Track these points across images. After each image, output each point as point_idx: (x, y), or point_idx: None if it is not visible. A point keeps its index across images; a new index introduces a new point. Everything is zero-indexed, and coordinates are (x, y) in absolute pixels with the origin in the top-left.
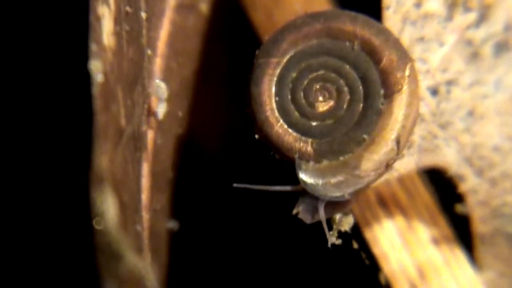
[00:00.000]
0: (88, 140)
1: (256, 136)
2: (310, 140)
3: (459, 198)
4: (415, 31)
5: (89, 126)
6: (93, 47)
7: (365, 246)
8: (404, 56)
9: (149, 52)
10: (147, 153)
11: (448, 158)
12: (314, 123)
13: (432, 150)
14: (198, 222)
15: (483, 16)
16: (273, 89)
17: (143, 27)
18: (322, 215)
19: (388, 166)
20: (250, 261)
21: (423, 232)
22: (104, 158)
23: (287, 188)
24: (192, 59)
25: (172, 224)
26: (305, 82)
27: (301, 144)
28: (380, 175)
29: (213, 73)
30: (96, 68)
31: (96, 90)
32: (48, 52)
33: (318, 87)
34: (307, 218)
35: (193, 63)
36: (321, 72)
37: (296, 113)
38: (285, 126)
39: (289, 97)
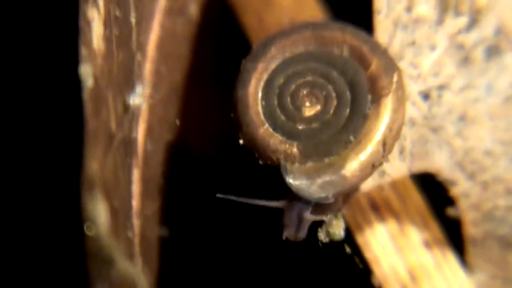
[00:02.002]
0: (79, 145)
1: (241, 141)
2: (295, 142)
3: (451, 201)
4: (407, 36)
5: (80, 131)
6: (83, 51)
7: (357, 250)
8: (392, 64)
9: (138, 56)
10: (137, 159)
11: (440, 163)
12: (300, 127)
13: (424, 155)
14: (188, 227)
15: (474, 20)
16: (260, 93)
17: (133, 31)
18: (310, 218)
19: (373, 167)
20: (242, 266)
21: (414, 236)
22: (95, 164)
23: (272, 204)
24: (181, 63)
25: (163, 230)
26: (293, 87)
27: (286, 146)
28: (366, 176)
29: (203, 77)
30: (86, 72)
31: (86, 95)
32: (39, 56)
33: (305, 92)
34: (292, 236)
35: (183, 67)
36: (308, 78)
37: (282, 117)
38: (270, 130)
39: (276, 102)
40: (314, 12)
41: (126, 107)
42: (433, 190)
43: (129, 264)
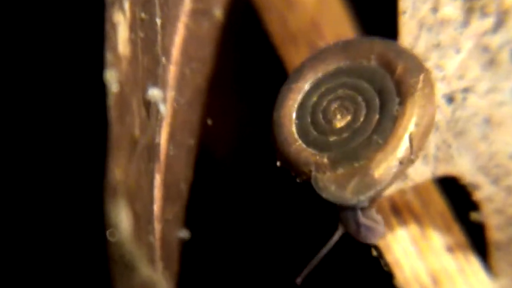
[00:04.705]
0: (103, 151)
1: (278, 163)
2: (326, 153)
3: (474, 205)
4: (431, 37)
5: (104, 137)
6: (109, 56)
7: (381, 254)
8: (419, 65)
9: (163, 60)
10: (160, 163)
11: (463, 167)
12: (331, 139)
13: (447, 158)
14: (209, 230)
15: (501, 22)
16: (294, 114)
17: (158, 33)
18: (364, 221)
19: (402, 164)
20: (262, 269)
21: (437, 240)
22: (118, 170)
23: (335, 238)
24: (205, 65)
25: (183, 233)
26: (324, 103)
27: (317, 158)
28: (395, 174)
29: (226, 80)
30: (112, 77)
31: (111, 100)
32: (64, 62)
33: (336, 106)
34: (373, 240)
35: (206, 70)
36: (339, 92)
37: (315, 133)
38: (303, 145)
39: (309, 119)
40: (338, 12)
41: (149, 112)
42: (457, 194)
43: (150, 269)
